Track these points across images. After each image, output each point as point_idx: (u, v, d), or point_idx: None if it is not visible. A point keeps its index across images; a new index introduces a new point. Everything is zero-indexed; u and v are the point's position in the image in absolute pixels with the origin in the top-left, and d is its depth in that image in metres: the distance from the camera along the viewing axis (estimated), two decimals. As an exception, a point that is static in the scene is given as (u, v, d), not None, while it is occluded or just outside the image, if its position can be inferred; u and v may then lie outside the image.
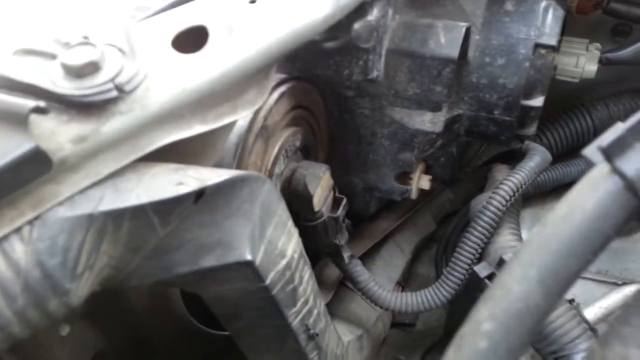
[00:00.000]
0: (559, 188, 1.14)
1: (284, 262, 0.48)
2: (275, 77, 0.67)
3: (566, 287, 0.30)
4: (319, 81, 0.73)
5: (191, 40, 0.46)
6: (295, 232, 0.53)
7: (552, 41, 0.76)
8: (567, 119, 1.17)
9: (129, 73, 0.38)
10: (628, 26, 1.15)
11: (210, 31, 0.45)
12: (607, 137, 0.31)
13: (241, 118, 0.49)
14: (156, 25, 0.47)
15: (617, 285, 0.99)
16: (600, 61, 1.02)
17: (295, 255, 0.51)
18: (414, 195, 0.90)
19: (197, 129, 0.44)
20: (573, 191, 0.31)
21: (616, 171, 0.29)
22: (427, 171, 0.93)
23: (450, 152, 0.93)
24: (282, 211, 0.50)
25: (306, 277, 0.54)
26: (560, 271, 0.30)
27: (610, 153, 0.30)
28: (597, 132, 1.16)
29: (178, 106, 0.41)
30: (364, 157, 0.85)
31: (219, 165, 0.58)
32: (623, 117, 1.14)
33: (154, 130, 0.41)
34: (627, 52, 1.03)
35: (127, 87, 0.38)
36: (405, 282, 1.00)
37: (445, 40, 0.68)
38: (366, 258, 0.94)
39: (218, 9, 0.47)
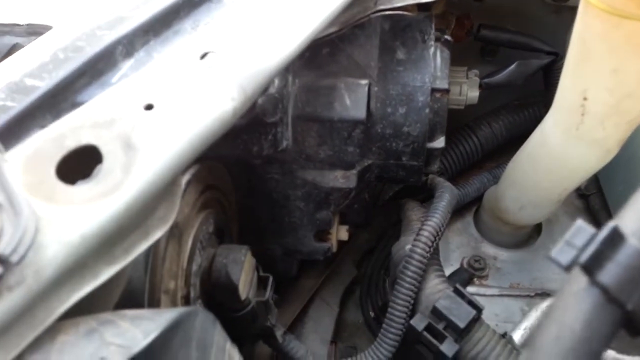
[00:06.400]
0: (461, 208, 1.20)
1: (230, 395, 0.42)
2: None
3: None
4: (224, 158, 0.67)
5: (80, 162, 0.39)
6: (235, 351, 0.46)
7: (445, 84, 0.77)
8: (457, 141, 1.22)
9: (13, 237, 0.30)
10: (495, 46, 1.23)
11: (103, 151, 0.38)
12: (577, 242, 0.30)
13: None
14: (33, 150, 0.38)
15: (530, 297, 1.04)
16: (481, 86, 1.07)
17: (240, 379, 0.45)
18: (334, 248, 0.87)
19: (105, 274, 0.36)
20: (556, 308, 0.29)
21: (599, 286, 0.28)
22: (342, 220, 0.91)
23: (363, 198, 0.91)
24: (218, 337, 0.43)
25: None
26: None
27: (590, 269, 0.28)
28: (483, 149, 1.23)
29: (79, 258, 0.34)
30: (280, 222, 0.80)
31: (128, 285, 0.49)
32: (504, 132, 1.22)
33: (53, 296, 0.33)
34: (502, 76, 1.10)
35: (14, 258, 0.29)
36: (336, 336, 0.97)
37: (350, 101, 0.66)
38: (295, 322, 0.89)
39: (108, 121, 0.40)
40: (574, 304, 0.29)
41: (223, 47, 0.48)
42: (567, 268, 0.30)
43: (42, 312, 0.32)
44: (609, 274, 0.28)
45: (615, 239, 0.28)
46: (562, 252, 0.30)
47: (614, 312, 0.28)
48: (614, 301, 0.28)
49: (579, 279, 0.29)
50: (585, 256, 0.28)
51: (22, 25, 1.28)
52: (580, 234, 0.30)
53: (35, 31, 1.25)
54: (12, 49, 1.18)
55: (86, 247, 0.34)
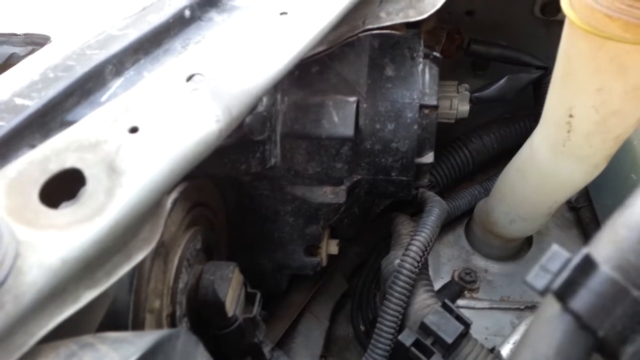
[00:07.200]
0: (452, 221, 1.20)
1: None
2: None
3: None
4: (213, 176, 0.67)
5: (64, 183, 0.39)
6: (218, 371, 0.46)
7: (434, 101, 0.78)
8: (448, 154, 1.23)
9: (-10, 263, 0.30)
10: (486, 60, 1.24)
11: (86, 175, 0.38)
12: (552, 267, 0.30)
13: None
14: (17, 173, 0.38)
15: (520, 310, 1.04)
16: (471, 100, 1.08)
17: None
18: (324, 263, 0.87)
19: (86, 297, 0.37)
20: (530, 334, 0.30)
21: (571, 312, 0.28)
22: (332, 234, 0.91)
23: (353, 212, 0.92)
24: (200, 357, 0.43)
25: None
26: None
27: (563, 295, 0.28)
28: (474, 162, 1.24)
29: (60, 282, 0.34)
30: (269, 237, 0.80)
31: (112, 306, 0.49)
32: (495, 145, 1.23)
33: (32, 321, 0.33)
34: (492, 90, 1.11)
35: (-9, 285, 0.30)
36: (326, 349, 0.97)
37: (338, 118, 0.67)
38: (284, 337, 0.88)
39: (93, 144, 0.40)
40: (547, 330, 0.29)
41: (209, 69, 0.49)
42: (542, 293, 0.30)
43: (21, 337, 0.32)
44: (581, 300, 0.28)
45: (588, 266, 0.29)
46: (537, 276, 0.31)
47: (586, 339, 0.28)
48: (586, 328, 0.28)
49: (553, 305, 0.29)
50: (558, 282, 0.28)
51: (20, 35, 1.28)
52: (555, 259, 0.30)
53: (32, 41, 1.25)
54: (9, 59, 1.19)
55: (67, 271, 0.34)
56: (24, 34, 1.28)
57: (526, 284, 0.31)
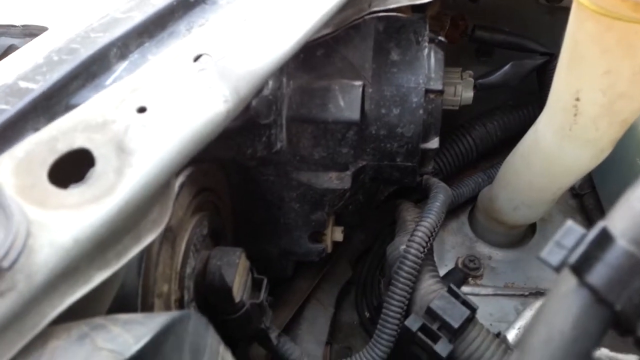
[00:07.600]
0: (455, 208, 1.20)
1: (223, 398, 0.42)
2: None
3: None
4: (219, 160, 0.67)
5: (73, 165, 0.38)
6: (228, 354, 0.46)
7: (439, 85, 0.77)
8: (452, 141, 1.22)
9: (4, 241, 0.30)
10: (490, 46, 1.23)
11: (95, 155, 0.38)
12: (567, 243, 0.30)
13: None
14: (25, 153, 0.38)
15: (524, 296, 1.04)
16: (475, 87, 1.08)
17: (234, 383, 0.45)
18: (329, 249, 0.87)
19: (97, 278, 0.36)
20: (545, 309, 0.29)
21: (588, 286, 0.28)
22: (337, 221, 0.91)
23: (358, 199, 0.91)
24: (211, 340, 0.43)
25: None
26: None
27: (579, 269, 0.28)
28: (478, 150, 1.23)
29: (72, 262, 0.34)
30: (275, 223, 0.80)
31: (121, 289, 0.49)
32: (499, 132, 1.22)
33: (45, 301, 0.33)
34: (496, 76, 1.11)
35: (5, 263, 0.29)
36: (331, 336, 0.97)
37: (344, 102, 0.66)
38: (290, 323, 0.89)
39: (101, 124, 0.40)
40: (564, 304, 0.29)
41: (216, 49, 0.48)
42: (557, 269, 0.30)
43: (33, 318, 0.32)
44: (597, 274, 0.28)
45: (604, 239, 0.28)
46: (551, 252, 0.31)
47: (603, 313, 0.28)
48: (603, 302, 0.28)
49: (569, 280, 0.29)
50: (574, 257, 0.28)
51: (18, 27, 1.27)
52: (570, 234, 0.30)
53: (31, 32, 1.25)
54: (8, 50, 1.18)
55: (78, 251, 0.34)
56: (23, 26, 1.28)
57: (540, 261, 0.31)
